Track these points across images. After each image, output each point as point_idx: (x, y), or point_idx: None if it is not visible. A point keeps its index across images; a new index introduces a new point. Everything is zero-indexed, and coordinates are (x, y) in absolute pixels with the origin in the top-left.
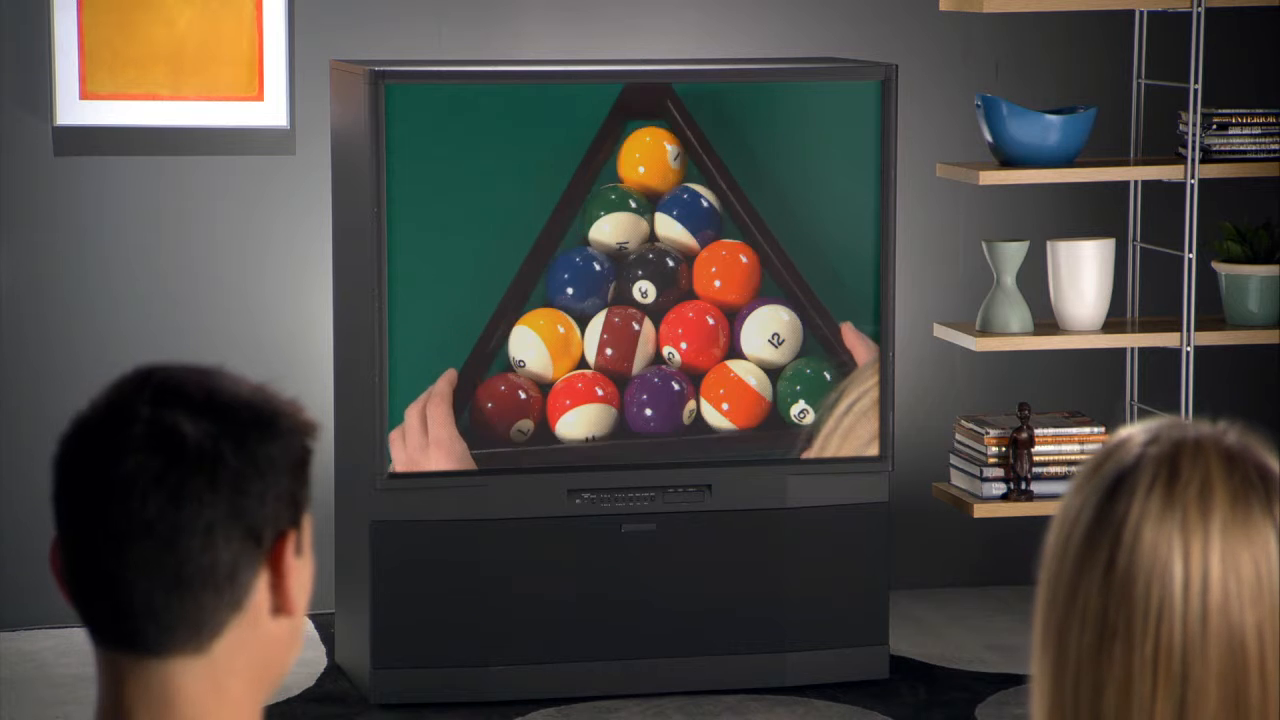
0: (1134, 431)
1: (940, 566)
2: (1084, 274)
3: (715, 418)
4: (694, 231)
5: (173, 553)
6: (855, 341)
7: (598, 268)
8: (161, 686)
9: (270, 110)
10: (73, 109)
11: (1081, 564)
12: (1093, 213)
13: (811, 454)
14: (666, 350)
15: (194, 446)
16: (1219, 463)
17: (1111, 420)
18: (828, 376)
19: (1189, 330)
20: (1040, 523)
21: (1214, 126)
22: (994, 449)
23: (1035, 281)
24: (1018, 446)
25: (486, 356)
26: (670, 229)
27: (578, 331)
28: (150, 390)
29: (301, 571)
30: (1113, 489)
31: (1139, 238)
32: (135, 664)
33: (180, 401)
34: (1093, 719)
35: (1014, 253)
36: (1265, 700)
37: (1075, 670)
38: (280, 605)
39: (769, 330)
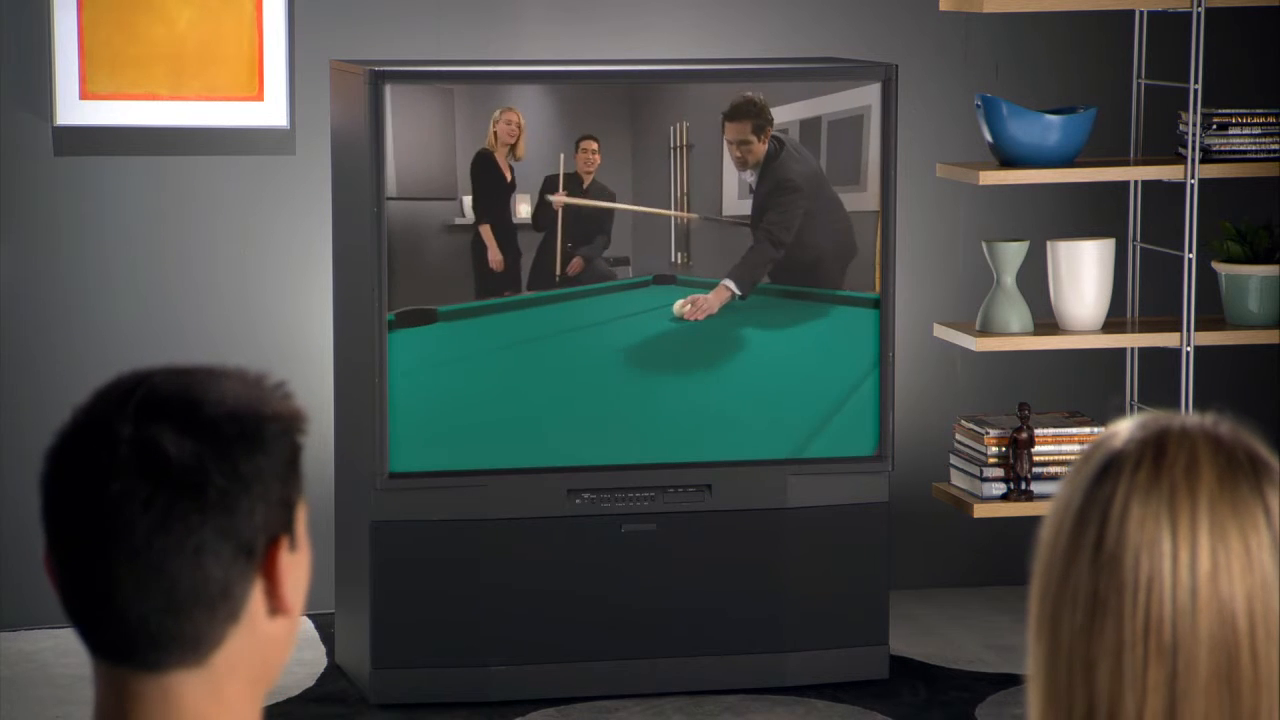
0: (1124, 423)
1: (940, 566)
2: (1084, 274)
3: None
4: None
5: (163, 575)
6: None
7: None
8: (160, 698)
9: (270, 110)
10: (73, 109)
11: (1072, 546)
12: (1093, 213)
13: None
14: None
15: (179, 468)
16: (1206, 444)
17: (1111, 420)
18: None
19: (1189, 330)
20: (1041, 521)
21: (1214, 126)
22: (994, 449)
23: (1035, 281)
24: (1018, 446)
25: None
26: None
27: None
28: (133, 406)
29: (297, 568)
30: (1101, 473)
31: (1139, 238)
32: (132, 676)
33: (163, 418)
34: (1086, 696)
35: (1014, 253)
36: (1256, 673)
37: (1068, 650)
38: (276, 607)
39: None
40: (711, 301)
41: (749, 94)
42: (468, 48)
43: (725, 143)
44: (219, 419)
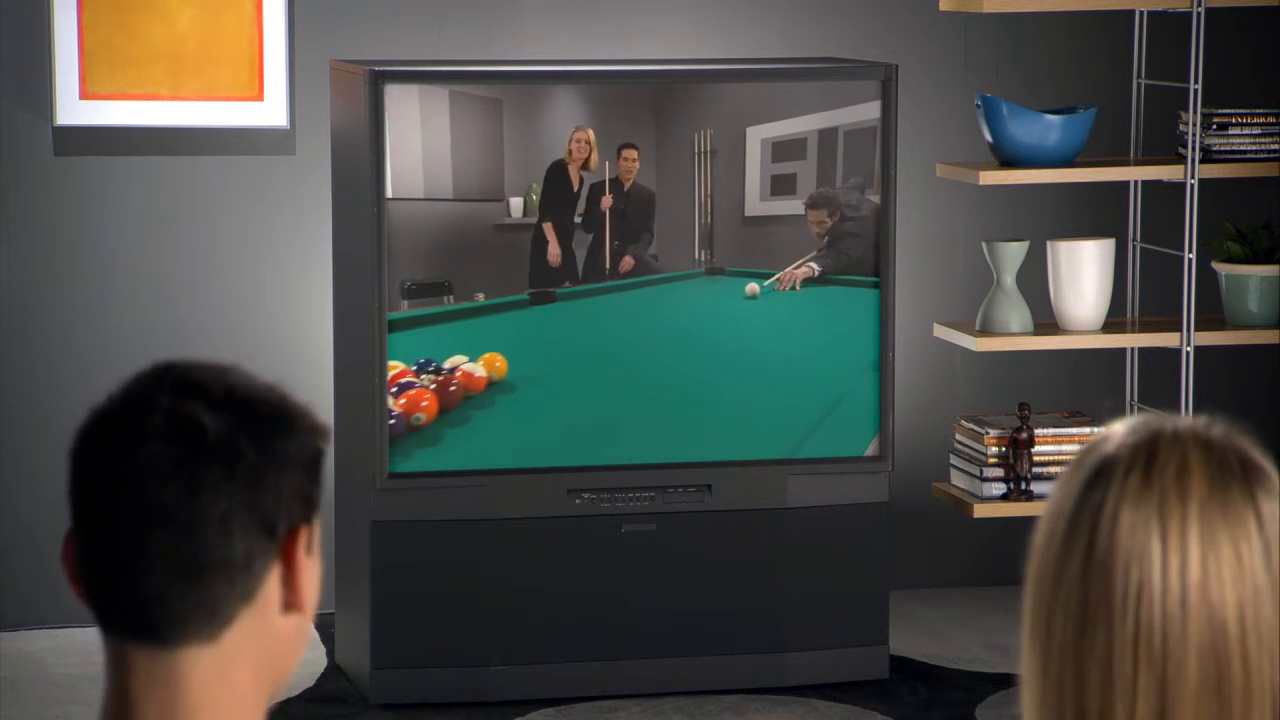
0: (1117, 426)
1: (940, 566)
2: (1084, 274)
3: None
4: None
5: (189, 541)
6: None
7: None
8: (169, 675)
9: (270, 110)
10: (73, 109)
11: (1063, 553)
12: (1093, 213)
13: None
14: None
15: (213, 437)
16: (1197, 448)
17: (1110, 421)
18: None
19: (1189, 330)
20: (1035, 525)
21: (1214, 126)
22: (994, 449)
23: (1035, 281)
24: (1018, 446)
25: None
26: None
27: None
28: (170, 383)
29: (312, 570)
30: (1093, 478)
31: (1139, 238)
32: (144, 653)
33: (199, 394)
34: (1076, 702)
35: (1014, 253)
36: (1247, 681)
37: (1060, 656)
38: (291, 601)
39: None
40: (799, 275)
41: (824, 189)
42: (468, 48)
43: (807, 222)
44: (253, 399)
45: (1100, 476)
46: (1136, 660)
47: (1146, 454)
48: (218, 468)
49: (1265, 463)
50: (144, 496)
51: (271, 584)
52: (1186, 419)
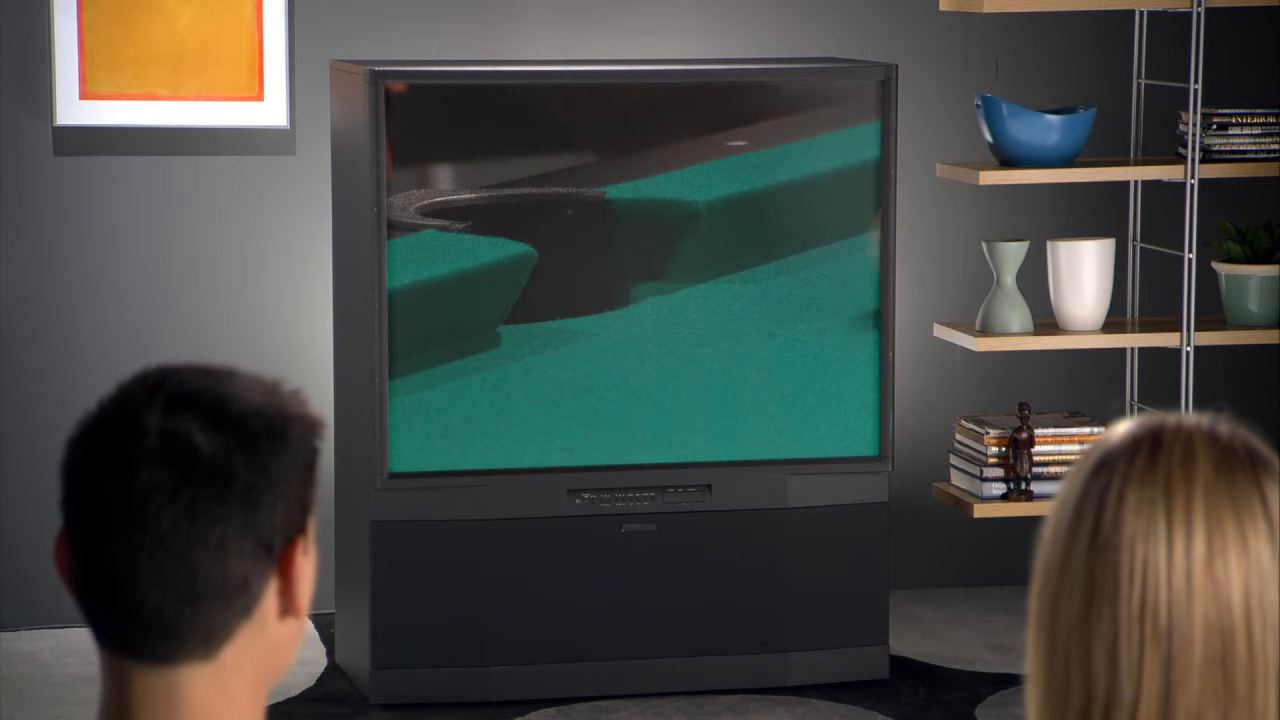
0: (1121, 425)
1: (940, 566)
2: (1084, 274)
3: None
4: None
5: (185, 566)
6: None
7: None
8: (168, 692)
9: (270, 110)
10: (73, 109)
11: (1069, 538)
12: (1093, 213)
13: None
14: None
15: (207, 460)
16: (1202, 437)
17: (1111, 420)
18: None
19: (1189, 330)
20: (1040, 522)
21: (1214, 126)
22: (994, 449)
23: (1035, 281)
24: (1018, 446)
25: None
26: None
27: None
28: (162, 398)
29: (308, 571)
30: (1098, 467)
31: (1139, 238)
32: (141, 669)
33: (192, 411)
34: (1084, 684)
35: (1014, 253)
36: (1251, 659)
37: (1066, 638)
38: (288, 608)
39: None
40: None
41: None
42: (468, 48)
43: None
44: (246, 415)
45: (1105, 465)
46: (1143, 637)
47: (1151, 441)
48: (213, 492)
49: (1271, 454)
50: (139, 523)
51: (269, 597)
52: (1192, 415)
